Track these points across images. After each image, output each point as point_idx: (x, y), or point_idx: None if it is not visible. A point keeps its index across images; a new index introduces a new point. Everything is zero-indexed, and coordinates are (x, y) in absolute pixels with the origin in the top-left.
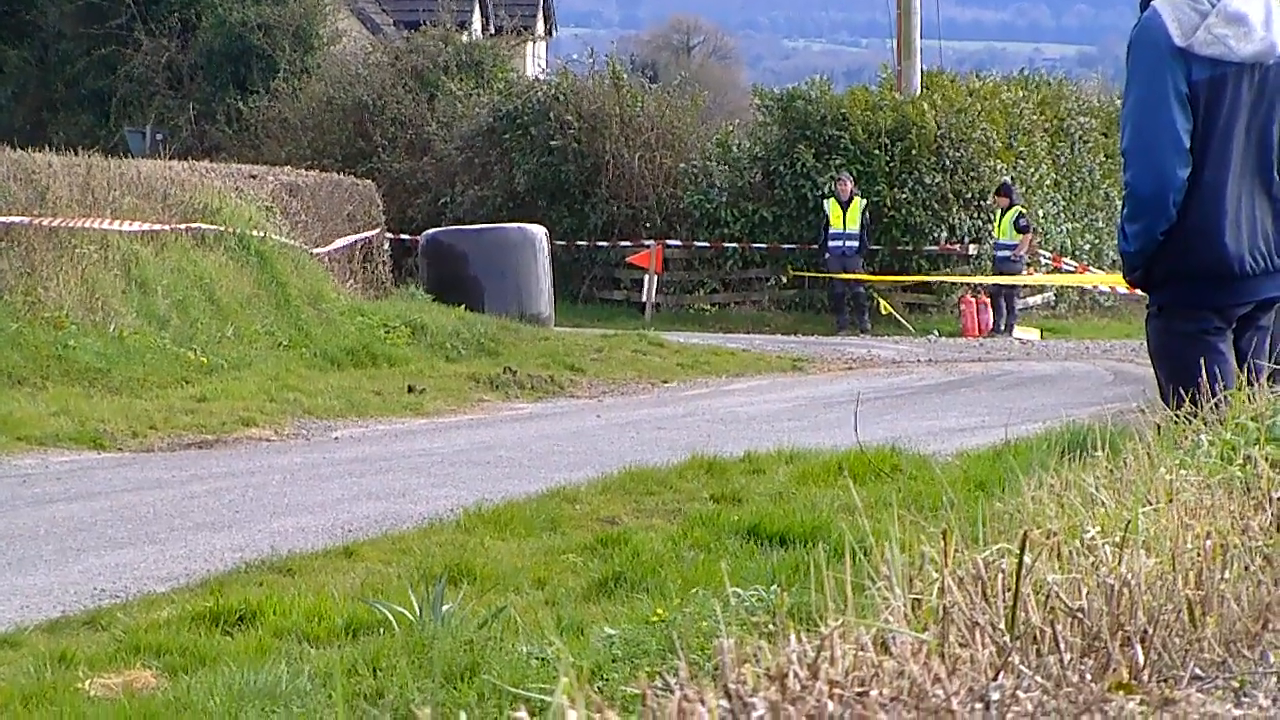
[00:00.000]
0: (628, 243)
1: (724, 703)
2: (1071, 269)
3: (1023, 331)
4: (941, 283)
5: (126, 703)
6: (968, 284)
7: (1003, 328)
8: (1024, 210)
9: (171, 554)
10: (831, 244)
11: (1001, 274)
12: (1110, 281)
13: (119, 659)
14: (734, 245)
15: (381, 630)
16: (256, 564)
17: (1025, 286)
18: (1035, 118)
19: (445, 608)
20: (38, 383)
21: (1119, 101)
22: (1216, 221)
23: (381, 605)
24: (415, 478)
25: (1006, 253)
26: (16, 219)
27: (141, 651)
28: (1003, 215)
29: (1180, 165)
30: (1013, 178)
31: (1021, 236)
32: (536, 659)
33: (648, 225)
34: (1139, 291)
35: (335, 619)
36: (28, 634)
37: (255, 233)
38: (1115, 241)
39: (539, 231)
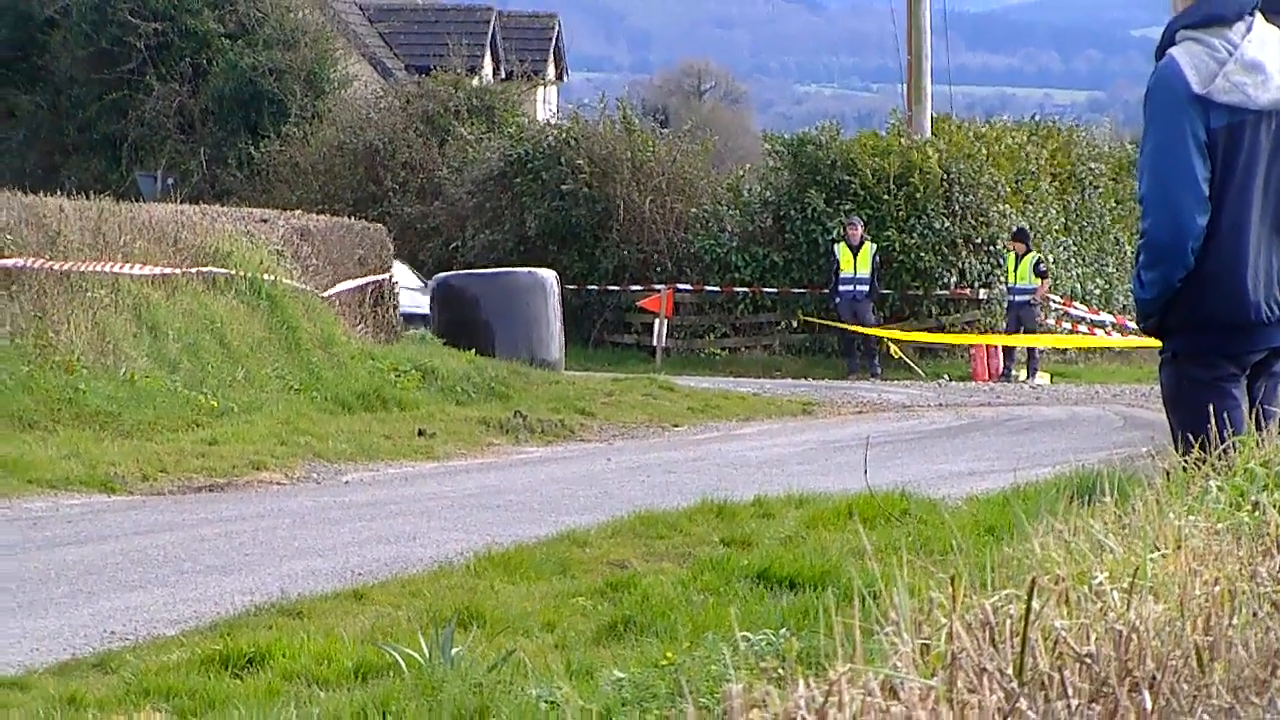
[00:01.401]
0: (638, 287)
1: None
2: (1082, 313)
3: (1038, 376)
4: (965, 329)
5: None
6: (977, 328)
7: (1024, 375)
8: (1042, 256)
9: (181, 597)
10: (842, 288)
11: (1020, 319)
12: (1121, 344)
13: (129, 701)
14: (745, 290)
15: (391, 673)
16: (266, 607)
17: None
18: (1043, 162)
19: (455, 650)
20: (49, 426)
21: (1129, 147)
22: (1235, 269)
23: (391, 648)
24: (425, 521)
25: (1026, 297)
26: (28, 262)
27: (151, 694)
28: (1019, 260)
29: (1199, 213)
30: (1029, 224)
31: (1040, 281)
32: (546, 702)
33: (658, 269)
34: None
35: (345, 662)
36: (37, 676)
37: (266, 277)
38: (1126, 286)
39: (549, 275)
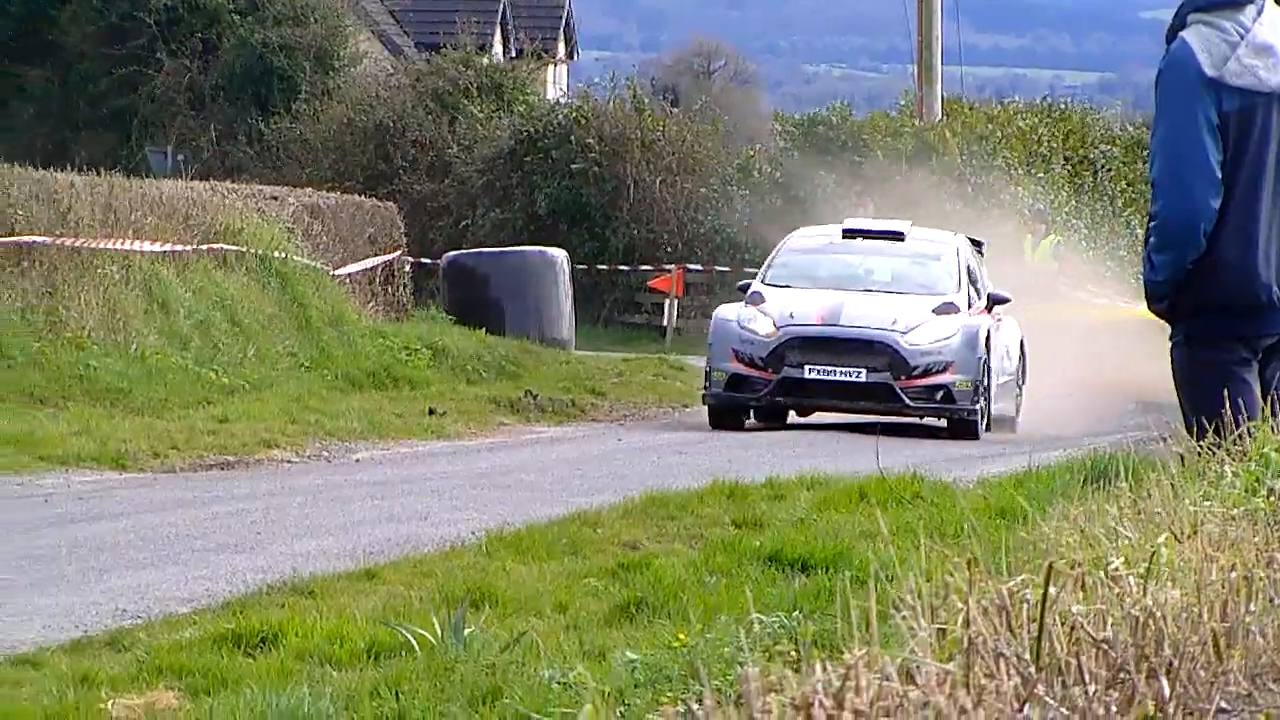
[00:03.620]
0: (648, 267)
1: None
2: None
3: None
4: None
5: None
6: None
7: None
8: (1061, 238)
9: (193, 575)
10: None
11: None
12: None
13: (141, 680)
14: (755, 270)
15: (403, 653)
16: (278, 585)
17: None
18: (1055, 145)
19: (467, 631)
20: (59, 402)
21: (1140, 130)
22: (1247, 252)
23: (403, 628)
24: (436, 500)
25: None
26: (38, 239)
27: (164, 672)
28: (1038, 242)
29: (1212, 195)
30: (1047, 205)
31: (1059, 264)
32: (559, 683)
33: (668, 249)
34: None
35: (357, 641)
36: (49, 654)
37: (277, 254)
38: (1137, 269)
39: (560, 255)
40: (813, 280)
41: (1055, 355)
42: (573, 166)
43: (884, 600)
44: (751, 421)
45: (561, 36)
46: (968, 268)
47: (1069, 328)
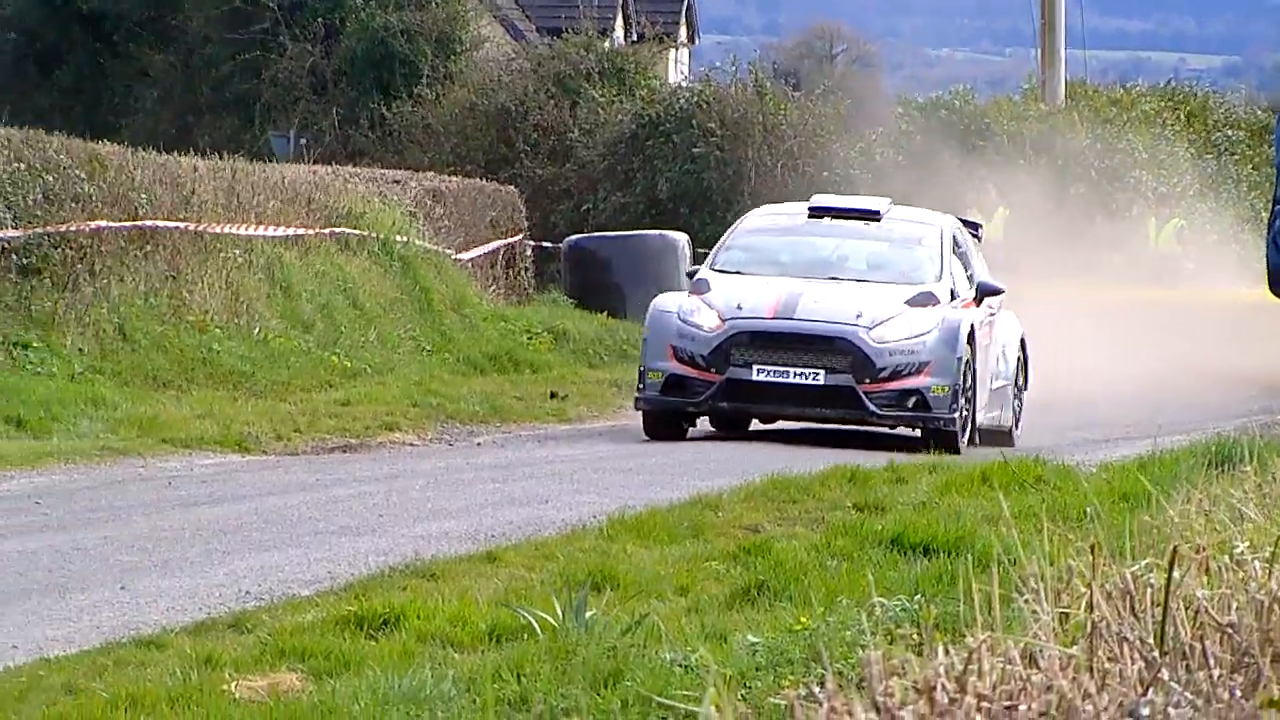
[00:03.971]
0: None
1: (872, 715)
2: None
3: None
4: None
5: (272, 705)
6: None
7: None
8: (1185, 222)
9: (315, 557)
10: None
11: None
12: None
13: (264, 661)
14: None
15: (525, 636)
16: (400, 568)
17: None
18: (1178, 128)
19: (588, 614)
20: (183, 385)
21: (1266, 114)
22: None
23: (525, 611)
24: (558, 484)
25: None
26: (162, 223)
27: (286, 654)
28: (1163, 225)
29: None
30: (1171, 189)
31: (1182, 248)
32: (680, 666)
33: None
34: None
35: (479, 624)
36: (173, 636)
37: (399, 238)
38: (1262, 254)
39: (681, 238)
40: (772, 266)
41: (1170, 340)
42: (694, 151)
43: (1006, 584)
44: (704, 428)
45: (683, 20)
46: (957, 254)
47: (1188, 312)
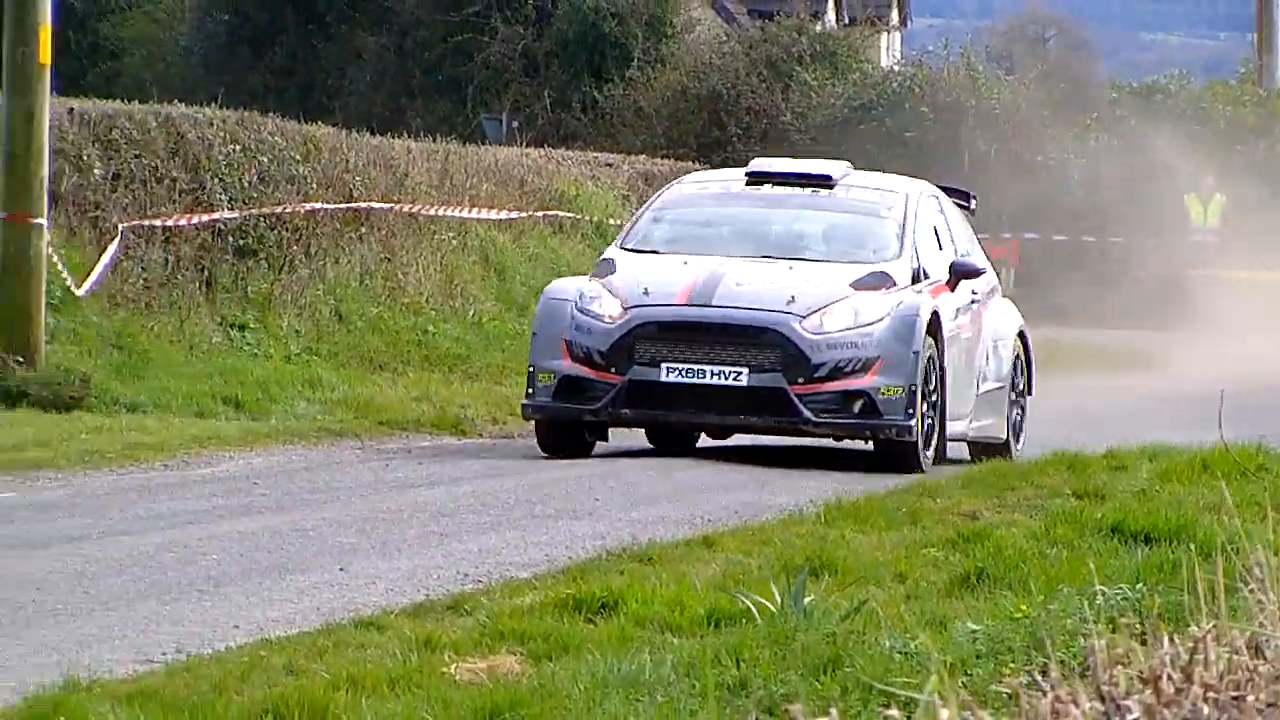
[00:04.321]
0: (984, 235)
1: (1097, 704)
2: None
3: None
4: None
5: (491, 688)
6: None
7: None
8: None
9: (533, 541)
10: (1192, 238)
11: None
12: None
13: (483, 644)
14: (1091, 239)
15: (743, 621)
16: (617, 552)
17: None
18: None
19: (807, 600)
20: (398, 368)
21: None
22: None
23: (743, 595)
24: (776, 470)
25: None
26: (376, 205)
27: (505, 637)
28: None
29: None
30: None
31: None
32: (900, 653)
33: (1004, 218)
34: None
35: (697, 608)
36: (393, 617)
37: (611, 220)
38: None
39: None
40: (696, 242)
41: None
42: (906, 135)
43: (1230, 573)
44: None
45: (894, 3)
46: (930, 228)
47: None
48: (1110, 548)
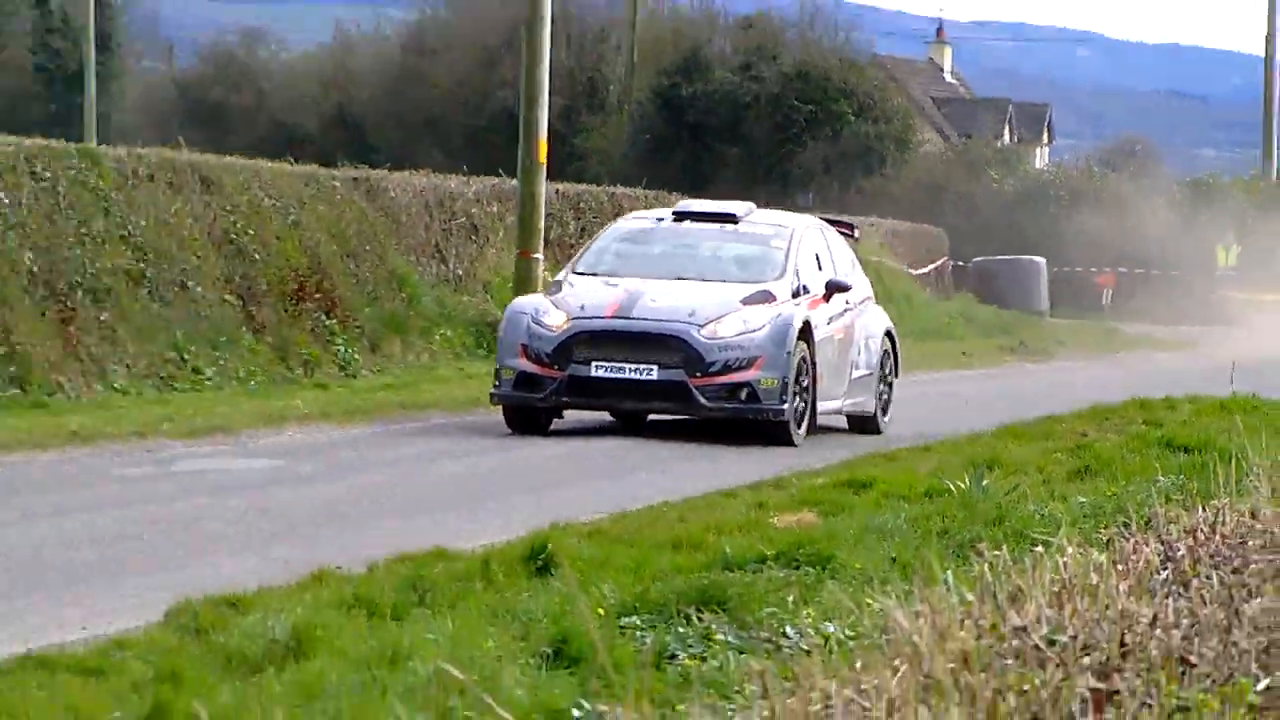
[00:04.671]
0: (1094, 269)
1: (1158, 546)
2: None
3: None
4: None
5: (798, 531)
6: None
7: None
8: (1239, 247)
9: (825, 454)
10: (1219, 273)
11: None
12: None
13: (793, 506)
14: (1158, 272)
15: (946, 494)
16: (874, 455)
17: None
18: None
19: (984, 482)
20: None
21: None
22: None
23: (947, 480)
24: (969, 407)
25: None
26: None
27: (807, 502)
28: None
29: None
30: None
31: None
32: (1039, 515)
33: (1106, 258)
34: None
35: (920, 487)
36: (742, 490)
37: (873, 258)
38: None
39: (1041, 261)
40: (630, 268)
41: None
42: (1050, 211)
43: (1240, 470)
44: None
45: (1045, 128)
46: (813, 254)
47: None
48: (1165, 454)
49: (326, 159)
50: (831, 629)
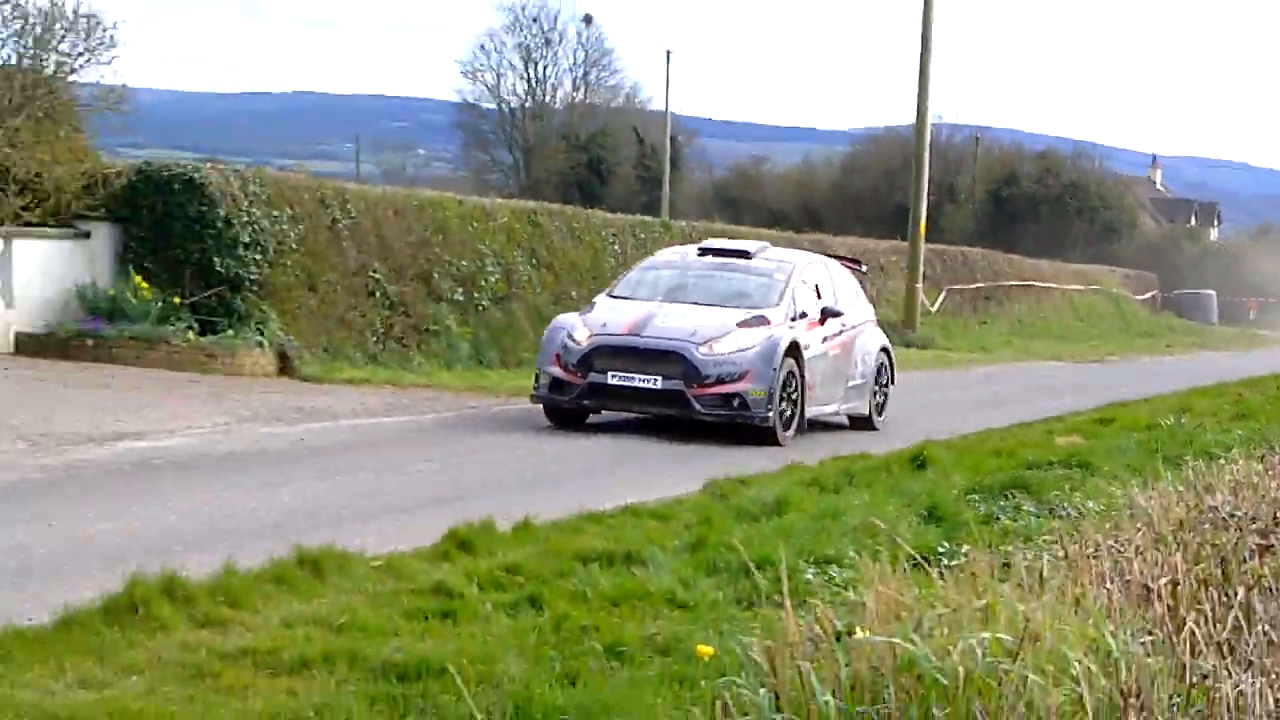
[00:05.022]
0: (1240, 298)
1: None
2: None
3: None
4: None
5: (1071, 449)
6: None
7: None
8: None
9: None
10: None
11: None
12: None
13: (1064, 432)
14: (1263, 299)
15: (1158, 427)
16: (1104, 405)
17: None
18: None
19: (1182, 420)
20: None
21: None
22: None
23: (1159, 419)
24: (1141, 381)
25: None
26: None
27: (1074, 429)
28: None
29: None
30: None
31: None
32: (1216, 440)
33: (1248, 291)
34: None
35: (1150, 420)
36: (1032, 425)
37: (1113, 289)
38: None
39: (1212, 293)
40: (654, 293)
41: None
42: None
43: None
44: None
45: (1215, 218)
46: (812, 286)
47: None
48: (1238, 418)
49: (797, 229)
50: (1093, 506)
